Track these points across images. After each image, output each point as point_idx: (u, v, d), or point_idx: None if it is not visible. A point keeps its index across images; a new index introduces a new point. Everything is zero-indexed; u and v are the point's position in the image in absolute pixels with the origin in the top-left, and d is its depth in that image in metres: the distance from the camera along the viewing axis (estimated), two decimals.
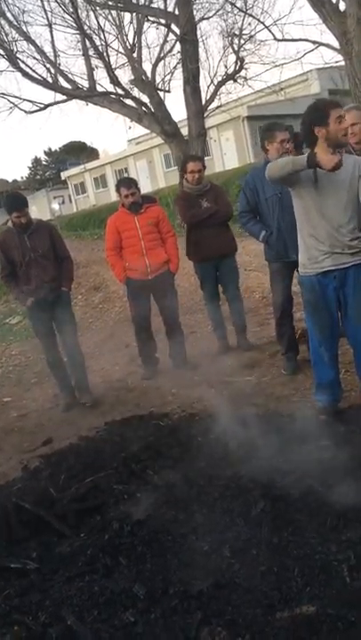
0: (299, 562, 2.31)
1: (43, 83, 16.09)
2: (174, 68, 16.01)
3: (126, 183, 5.48)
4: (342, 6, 10.85)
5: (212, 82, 16.39)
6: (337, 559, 2.28)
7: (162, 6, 15.28)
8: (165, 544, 2.58)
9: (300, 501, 2.71)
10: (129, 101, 16.33)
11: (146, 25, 15.78)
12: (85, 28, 15.75)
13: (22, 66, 15.79)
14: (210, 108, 16.59)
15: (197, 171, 5.56)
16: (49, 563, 2.62)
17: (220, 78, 16.40)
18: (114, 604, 2.26)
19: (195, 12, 15.06)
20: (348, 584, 2.17)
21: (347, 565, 2.24)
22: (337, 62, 15.33)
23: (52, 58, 15.82)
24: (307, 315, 3.86)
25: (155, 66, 15.91)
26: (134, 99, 16.18)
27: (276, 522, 2.59)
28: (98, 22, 15.97)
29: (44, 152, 57.64)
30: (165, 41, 15.84)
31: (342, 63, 14.15)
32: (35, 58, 15.89)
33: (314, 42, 15.05)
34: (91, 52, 15.92)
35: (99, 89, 16.25)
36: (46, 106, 16.50)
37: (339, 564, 2.25)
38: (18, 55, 15.70)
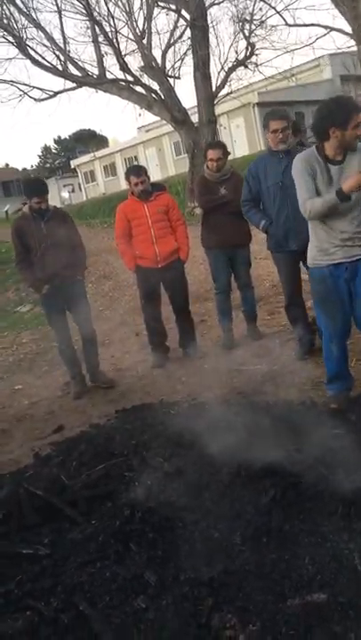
0: (310, 550, 2.32)
1: (52, 70, 16.05)
2: (184, 54, 15.96)
3: (136, 171, 5.46)
4: None
5: (222, 68, 16.29)
6: (348, 547, 2.28)
7: None
8: (176, 531, 2.59)
9: (311, 489, 2.71)
10: (139, 88, 16.26)
11: (156, 11, 15.68)
12: (95, 14, 15.68)
13: (32, 53, 15.76)
14: (220, 94, 16.48)
15: (217, 159, 5.50)
16: (61, 549, 2.64)
17: (230, 64, 16.30)
18: (125, 590, 2.27)
19: None
20: (359, 572, 2.17)
21: (358, 554, 2.24)
22: (349, 47, 15.18)
23: (62, 45, 15.79)
24: (317, 308, 3.84)
25: (165, 52, 15.83)
26: (144, 86, 16.09)
27: (287, 510, 2.59)
28: (107, 8, 16.01)
29: (54, 140, 57.60)
30: (175, 27, 15.76)
31: (355, 48, 14.01)
32: (44, 45, 15.89)
33: (326, 27, 14.95)
34: (100, 39, 15.86)
35: (108, 76, 16.18)
36: (56, 93, 16.47)
37: (350, 553, 2.25)
38: (27, 42, 15.67)
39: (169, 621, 2.07)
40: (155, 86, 15.93)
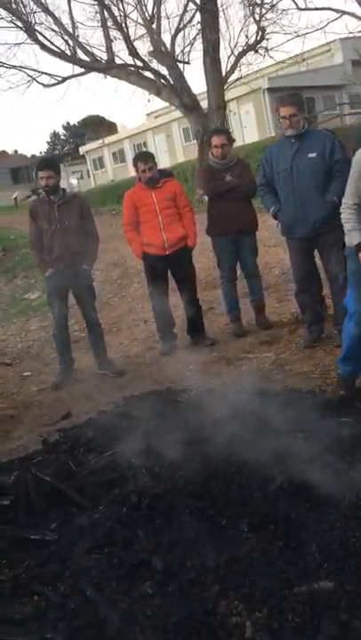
0: (316, 537, 2.31)
1: (61, 55, 15.92)
2: (194, 38, 15.74)
3: (143, 158, 5.41)
4: None
5: (232, 53, 16.08)
6: (355, 536, 2.27)
7: None
8: (183, 517, 2.59)
9: (319, 477, 2.70)
10: (148, 74, 16.11)
11: None
12: None
13: (40, 38, 15.62)
14: (230, 79, 16.29)
15: (221, 145, 5.46)
16: (68, 534, 2.65)
17: (240, 49, 16.07)
18: (132, 575, 2.28)
19: None
20: None
21: None
22: None
23: (71, 29, 15.63)
24: (350, 286, 3.76)
25: (174, 37, 15.62)
26: (153, 71, 15.95)
27: (294, 498, 2.58)
28: None
29: (63, 126, 57.31)
30: (185, 11, 15.54)
31: None
32: (53, 30, 15.71)
33: (338, 10, 14.73)
34: (109, 24, 15.68)
35: (117, 61, 16.03)
36: (64, 79, 16.35)
37: (357, 541, 2.24)
38: (36, 27, 15.53)
39: (175, 607, 2.07)
40: (164, 71, 15.77)
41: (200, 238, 5.67)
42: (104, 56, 16.06)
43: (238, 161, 5.66)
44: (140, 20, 15.67)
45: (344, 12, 14.54)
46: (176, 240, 5.37)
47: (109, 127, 45.07)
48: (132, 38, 15.70)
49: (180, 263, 5.44)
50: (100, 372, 5.36)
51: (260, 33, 15.84)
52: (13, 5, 15.22)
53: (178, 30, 15.65)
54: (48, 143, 58.72)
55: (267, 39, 16.00)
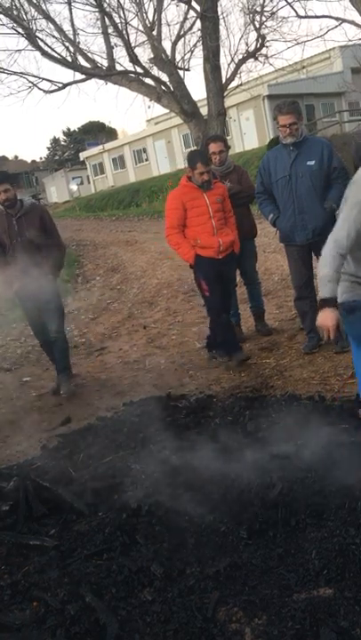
0: (316, 544, 2.31)
1: (62, 61, 15.97)
2: (194, 45, 15.76)
3: (205, 159, 4.99)
4: None
5: (232, 60, 16.10)
6: (355, 542, 2.27)
7: None
8: (182, 524, 2.59)
9: (318, 484, 2.70)
10: (148, 80, 16.17)
11: (166, 2, 15.55)
12: (105, 5, 15.55)
13: (41, 44, 15.66)
14: (230, 86, 16.36)
15: (218, 152, 5.44)
16: (67, 540, 2.65)
17: (240, 56, 16.10)
18: (131, 582, 2.28)
19: None
20: None
21: None
22: None
23: (72, 36, 15.67)
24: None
25: (174, 44, 15.67)
26: (154, 77, 15.99)
27: (294, 504, 2.58)
28: (118, 0, 15.76)
29: (63, 132, 57.44)
30: (185, 18, 15.57)
31: None
32: (54, 36, 15.71)
33: (337, 18, 14.75)
34: (110, 30, 15.74)
35: (118, 68, 16.08)
36: (65, 85, 16.40)
37: (357, 548, 2.24)
38: (37, 34, 15.57)
39: (175, 614, 2.07)
40: (164, 78, 15.81)
41: None
42: (105, 63, 16.10)
43: (235, 167, 5.65)
44: (140, 28, 15.72)
45: (344, 20, 14.59)
46: (229, 244, 5.04)
47: (110, 133, 45.26)
48: (132, 45, 15.74)
49: (228, 269, 5.15)
50: (53, 394, 5.20)
51: (260, 40, 15.90)
52: (15, 12, 15.30)
53: (178, 37, 15.71)
54: (48, 149, 58.95)
55: (267, 47, 16.05)
